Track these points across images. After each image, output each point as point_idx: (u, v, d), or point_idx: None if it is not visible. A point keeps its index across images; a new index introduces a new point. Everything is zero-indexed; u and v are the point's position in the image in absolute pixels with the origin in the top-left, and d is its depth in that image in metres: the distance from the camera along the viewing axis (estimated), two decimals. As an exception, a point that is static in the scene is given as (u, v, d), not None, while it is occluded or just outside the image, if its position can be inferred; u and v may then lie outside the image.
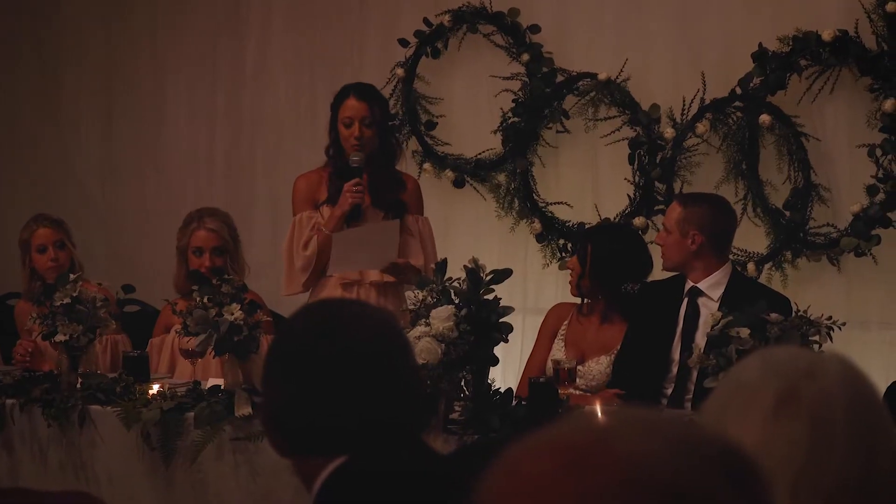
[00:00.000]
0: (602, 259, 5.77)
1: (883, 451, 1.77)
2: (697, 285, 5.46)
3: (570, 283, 5.90)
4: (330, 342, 2.29)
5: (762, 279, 6.41)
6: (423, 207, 6.19)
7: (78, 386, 5.43)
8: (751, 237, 6.53)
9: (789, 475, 1.74)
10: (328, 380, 2.28)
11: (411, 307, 5.17)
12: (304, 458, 2.32)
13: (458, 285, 5.11)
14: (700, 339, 5.20)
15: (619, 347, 5.70)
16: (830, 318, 4.76)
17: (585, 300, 5.88)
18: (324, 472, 2.27)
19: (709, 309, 5.32)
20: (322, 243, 5.94)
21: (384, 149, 6.04)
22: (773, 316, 4.73)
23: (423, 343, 4.95)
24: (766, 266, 6.52)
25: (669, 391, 5.40)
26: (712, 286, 5.45)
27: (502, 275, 5.10)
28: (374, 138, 5.97)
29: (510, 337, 5.12)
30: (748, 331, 4.69)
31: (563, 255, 6.91)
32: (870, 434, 1.77)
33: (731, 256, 6.31)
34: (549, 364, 5.72)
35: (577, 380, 5.61)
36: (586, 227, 6.73)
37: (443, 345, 4.96)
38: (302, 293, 6.07)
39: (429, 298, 5.13)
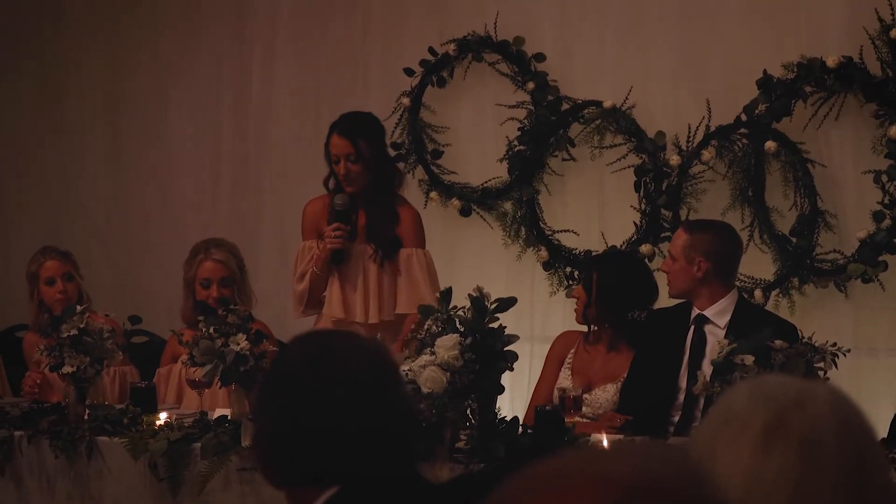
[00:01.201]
0: (608, 287, 5.77)
1: (873, 480, 1.77)
2: (704, 312, 5.46)
3: (575, 311, 5.90)
4: (321, 372, 2.30)
5: (769, 306, 6.40)
6: (422, 240, 6.11)
7: (85, 417, 5.44)
8: (757, 264, 6.53)
9: None
10: (319, 410, 2.28)
11: (416, 336, 5.17)
12: (297, 489, 2.32)
13: (463, 314, 5.11)
14: (706, 367, 5.19)
15: (625, 375, 5.69)
16: (835, 344, 4.76)
17: (592, 328, 5.88)
18: (317, 503, 2.27)
19: (715, 336, 5.32)
20: (313, 281, 5.97)
21: (377, 181, 5.99)
22: (778, 343, 4.73)
23: (429, 372, 4.96)
24: (774, 293, 6.52)
25: (676, 419, 5.39)
26: (718, 313, 5.45)
27: (507, 303, 5.10)
28: (362, 173, 5.93)
29: (518, 365, 5.12)
30: (753, 358, 4.69)
31: (570, 282, 6.91)
32: (860, 463, 1.76)
33: (737, 283, 6.33)
34: (556, 392, 5.72)
35: (584, 408, 5.61)
36: (592, 255, 6.73)
37: (448, 373, 4.96)
38: (302, 318, 6.12)
39: (434, 327, 5.13)
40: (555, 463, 1.30)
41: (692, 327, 5.46)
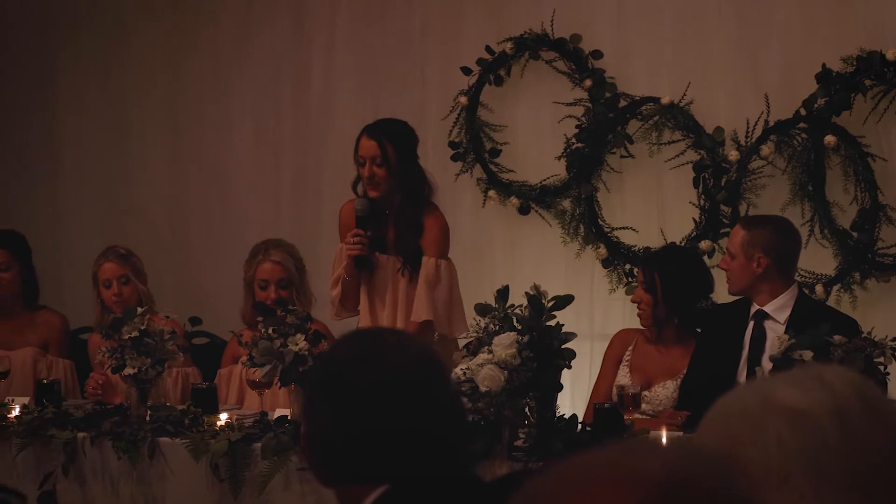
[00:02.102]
0: (673, 284, 5.76)
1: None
2: (763, 308, 5.44)
3: (640, 315, 5.86)
4: (368, 370, 2.30)
5: (831, 301, 6.37)
6: (443, 249, 5.98)
7: (147, 418, 5.49)
8: (818, 259, 6.50)
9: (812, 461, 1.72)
10: (368, 407, 2.29)
11: (473, 335, 5.18)
12: (347, 488, 2.33)
13: (520, 312, 5.12)
14: (766, 363, 5.17)
15: (684, 372, 5.68)
16: (895, 339, 4.73)
17: (654, 327, 5.87)
18: (366, 501, 2.28)
19: (775, 332, 5.30)
20: (343, 286, 5.99)
21: (404, 189, 5.93)
22: (837, 338, 4.71)
23: (486, 370, 4.97)
24: (835, 288, 6.48)
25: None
26: (778, 309, 5.42)
27: (564, 301, 5.11)
28: (387, 178, 5.88)
29: (578, 363, 5.13)
30: (811, 354, 4.66)
31: (629, 280, 6.89)
32: (885, 423, 1.75)
33: (798, 279, 6.29)
34: (614, 389, 5.71)
35: (643, 405, 5.60)
36: (644, 255, 6.66)
37: (506, 372, 4.97)
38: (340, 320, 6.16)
39: (491, 326, 5.14)
40: (582, 460, 1.30)
41: (752, 323, 5.43)
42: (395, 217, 5.95)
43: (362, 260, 5.94)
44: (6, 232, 6.93)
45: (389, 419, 2.28)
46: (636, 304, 5.87)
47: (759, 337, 5.41)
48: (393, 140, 5.89)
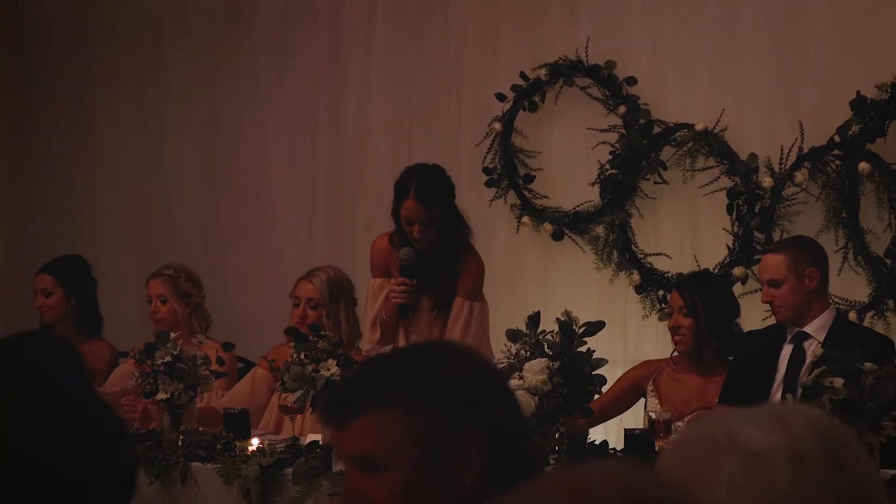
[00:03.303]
0: (714, 307, 5.75)
1: (874, 491, 1.75)
2: (804, 329, 5.43)
3: (679, 341, 5.81)
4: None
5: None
6: (478, 292, 5.97)
7: (179, 443, 5.52)
8: (852, 286, 6.48)
9: None
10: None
11: (505, 360, 5.19)
12: None
13: (551, 338, 5.13)
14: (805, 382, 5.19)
15: (717, 400, 5.67)
16: (926, 366, 4.72)
17: (677, 354, 5.88)
18: None
19: (813, 352, 5.31)
20: (383, 327, 5.96)
21: (446, 238, 5.88)
22: (868, 365, 4.69)
23: (517, 396, 4.97)
24: (868, 314, 6.46)
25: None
26: (818, 329, 5.44)
27: (595, 327, 5.13)
28: (435, 234, 5.83)
29: (609, 389, 5.12)
30: (842, 381, 4.65)
31: (662, 306, 6.88)
32: (845, 470, 1.75)
33: (832, 304, 6.29)
34: (645, 417, 5.71)
35: (675, 434, 5.58)
36: (679, 279, 6.62)
37: (536, 398, 4.99)
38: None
39: (522, 352, 5.16)
40: (550, 478, 1.35)
41: (790, 346, 5.43)
42: (433, 260, 5.92)
43: (406, 308, 5.92)
44: (60, 258, 6.99)
45: None
46: (674, 330, 5.82)
47: (799, 357, 5.40)
48: (440, 200, 5.84)
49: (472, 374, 2.19)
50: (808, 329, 5.43)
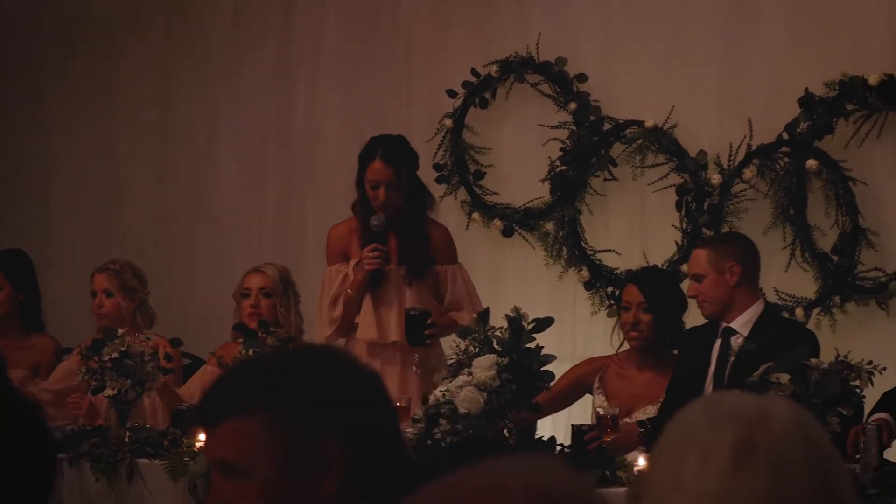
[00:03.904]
0: (672, 302, 5.77)
1: (843, 490, 1.76)
2: (730, 325, 5.45)
3: (634, 337, 5.81)
4: None
5: (811, 324, 6.37)
6: (454, 255, 6.15)
7: (126, 440, 5.49)
8: (799, 282, 6.51)
9: None
10: None
11: (453, 357, 5.19)
12: None
13: (500, 334, 5.13)
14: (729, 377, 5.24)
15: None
16: (871, 362, 4.74)
17: (620, 350, 5.90)
18: None
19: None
20: (347, 303, 5.97)
21: (412, 206, 6.00)
22: (814, 361, 4.72)
23: (465, 392, 4.99)
24: (815, 311, 6.49)
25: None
26: (744, 324, 5.44)
27: (543, 323, 5.13)
28: (401, 199, 5.94)
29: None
30: (788, 377, 4.68)
31: (611, 302, 6.90)
32: (828, 474, 1.76)
33: (778, 301, 6.32)
34: (592, 413, 5.72)
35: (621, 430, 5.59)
36: (633, 274, 6.62)
37: (485, 394, 4.99)
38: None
39: (471, 348, 5.16)
40: (454, 479, 1.36)
41: (719, 340, 5.45)
42: (398, 228, 5.98)
43: (379, 274, 5.94)
44: (5, 253, 6.93)
45: None
46: (633, 326, 5.81)
47: (725, 353, 5.42)
48: (407, 163, 5.97)
49: (338, 381, 2.18)
50: (734, 325, 5.44)
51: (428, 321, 5.83)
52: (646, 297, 5.78)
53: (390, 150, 5.95)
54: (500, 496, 1.34)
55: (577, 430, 5.20)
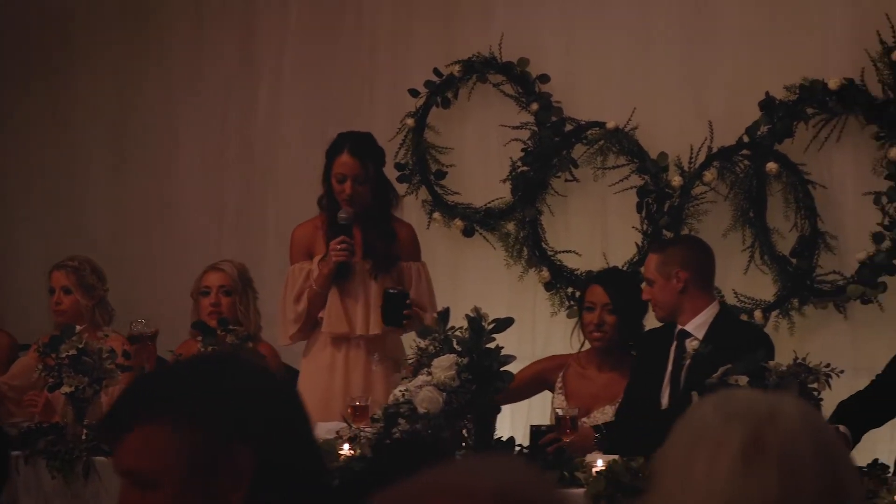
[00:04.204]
0: (635, 302, 5.79)
1: (851, 487, 1.78)
2: (685, 327, 5.46)
3: (598, 338, 5.81)
4: None
5: (769, 327, 6.40)
6: (419, 253, 6.16)
7: (83, 437, 5.46)
8: (758, 285, 6.54)
9: None
10: None
11: (413, 357, 5.19)
12: None
13: (460, 334, 5.14)
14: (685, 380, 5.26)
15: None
16: (829, 365, 4.77)
17: (583, 349, 5.91)
18: None
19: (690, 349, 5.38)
20: (311, 299, 5.97)
21: (378, 201, 6.03)
22: (772, 364, 4.74)
23: (425, 392, 4.98)
24: (774, 314, 6.52)
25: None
26: (698, 326, 5.45)
27: (504, 324, 5.14)
28: (366, 194, 5.97)
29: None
30: (746, 379, 4.69)
31: (571, 303, 6.90)
32: (836, 472, 1.77)
33: (737, 304, 6.34)
34: (552, 414, 5.72)
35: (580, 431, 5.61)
36: (601, 276, 6.60)
37: (444, 394, 4.99)
38: (290, 345, 6.12)
39: (431, 347, 5.16)
40: (422, 479, 1.37)
41: (675, 343, 5.46)
42: (364, 223, 5.99)
43: (345, 267, 5.94)
44: None
45: None
46: (597, 327, 5.82)
47: (681, 356, 5.43)
48: (374, 157, 6.02)
49: (246, 389, 2.15)
50: (688, 327, 5.46)
51: (407, 301, 5.84)
52: (611, 298, 5.80)
53: (358, 145, 5.99)
54: (469, 498, 1.34)
55: (535, 431, 5.20)
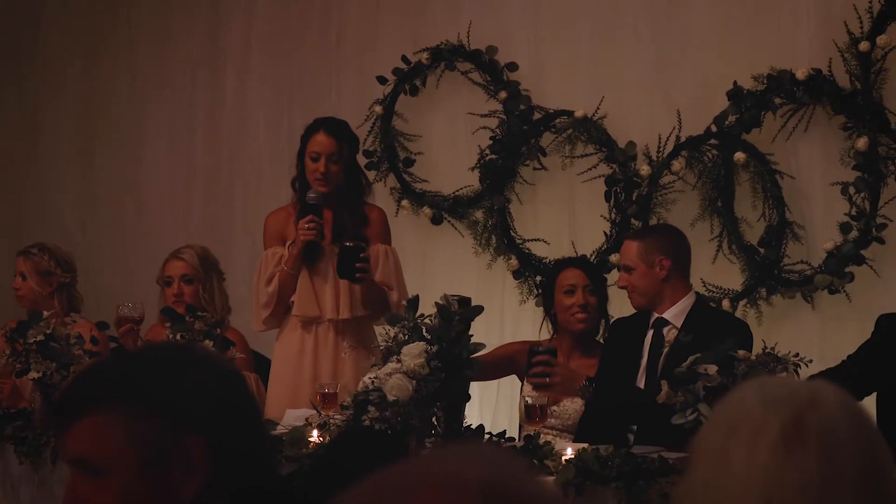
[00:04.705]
0: (605, 289, 5.83)
1: (888, 471, 1.79)
2: (663, 315, 5.47)
3: (583, 321, 5.82)
4: None
5: (738, 316, 6.41)
6: (389, 237, 6.16)
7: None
8: (726, 274, 6.56)
9: None
10: None
11: (383, 344, 5.19)
12: None
13: (430, 322, 5.13)
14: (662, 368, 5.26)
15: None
16: (798, 354, 4.78)
17: (552, 337, 5.93)
18: None
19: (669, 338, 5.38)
20: (283, 281, 5.97)
21: (351, 185, 6.04)
22: (742, 353, 4.75)
23: (394, 380, 4.98)
24: (741, 303, 6.54)
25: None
26: (677, 315, 5.45)
27: (473, 311, 5.13)
28: (339, 175, 5.98)
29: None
30: (716, 368, 4.70)
31: (539, 291, 6.91)
32: (874, 462, 1.79)
33: (705, 293, 6.36)
34: (521, 402, 5.73)
35: (553, 420, 5.62)
36: (577, 260, 6.58)
37: (414, 381, 4.99)
38: (265, 331, 6.11)
39: (400, 335, 5.16)
40: (407, 467, 1.37)
41: (651, 331, 5.47)
42: (335, 206, 5.99)
43: (314, 247, 5.93)
44: None
45: None
46: (582, 308, 5.83)
47: (658, 344, 5.44)
48: (349, 140, 6.05)
49: (199, 380, 2.13)
50: (666, 315, 5.47)
51: (362, 255, 5.83)
52: (591, 279, 5.84)
53: (334, 126, 6.05)
54: (454, 487, 1.35)
55: (534, 350, 5.30)
